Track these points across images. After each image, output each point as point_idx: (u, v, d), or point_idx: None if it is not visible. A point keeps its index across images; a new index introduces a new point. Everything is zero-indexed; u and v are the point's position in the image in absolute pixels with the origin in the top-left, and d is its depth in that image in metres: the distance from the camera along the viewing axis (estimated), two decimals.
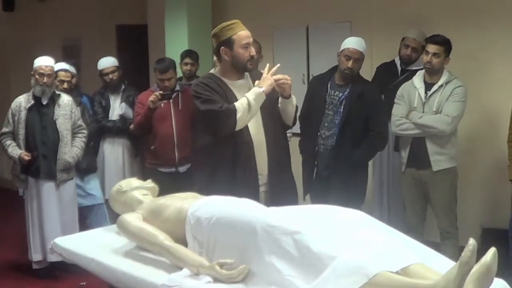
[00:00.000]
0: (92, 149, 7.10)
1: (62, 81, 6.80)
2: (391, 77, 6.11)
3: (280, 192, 4.54)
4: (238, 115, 4.36)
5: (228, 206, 3.58)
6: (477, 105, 6.26)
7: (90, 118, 6.96)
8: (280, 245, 3.08)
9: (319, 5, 7.46)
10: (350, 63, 5.46)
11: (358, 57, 5.52)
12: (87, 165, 6.87)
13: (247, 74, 4.64)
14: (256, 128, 4.53)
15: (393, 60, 6.46)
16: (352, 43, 5.58)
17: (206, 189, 4.12)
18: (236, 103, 4.40)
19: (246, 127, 4.47)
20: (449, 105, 5.39)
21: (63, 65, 6.94)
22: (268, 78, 4.44)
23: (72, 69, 7.07)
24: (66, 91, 6.76)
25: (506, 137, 5.61)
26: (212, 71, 4.72)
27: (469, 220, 6.25)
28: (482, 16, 6.45)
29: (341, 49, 5.63)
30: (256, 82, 4.51)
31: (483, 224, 6.50)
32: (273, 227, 3.15)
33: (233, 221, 3.36)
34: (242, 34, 4.44)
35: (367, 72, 6.44)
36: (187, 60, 7.19)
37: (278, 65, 4.57)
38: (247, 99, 4.38)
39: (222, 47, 4.46)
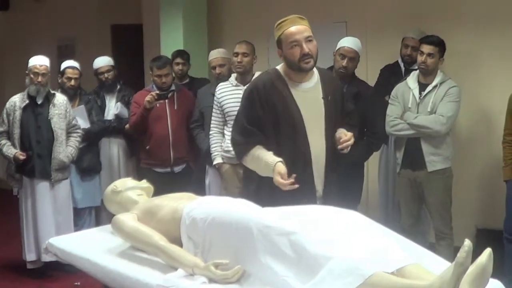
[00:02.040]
0: (96, 148, 7.09)
1: (70, 78, 6.79)
2: (395, 78, 6.10)
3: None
4: (245, 159, 4.14)
5: (223, 206, 3.59)
6: (471, 106, 6.28)
7: (97, 117, 6.94)
8: (276, 246, 3.07)
9: (315, 6, 7.46)
10: (345, 62, 5.52)
11: (353, 56, 5.57)
12: (89, 165, 6.86)
13: (316, 75, 4.19)
14: (316, 139, 4.11)
15: (397, 61, 6.48)
16: (347, 42, 5.64)
17: (254, 199, 3.83)
18: (254, 151, 4.04)
19: (305, 137, 4.06)
20: (443, 105, 5.40)
21: (71, 63, 6.94)
22: (281, 183, 3.80)
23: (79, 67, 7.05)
24: (73, 88, 6.76)
25: (500, 137, 5.62)
26: (278, 66, 4.26)
27: (464, 220, 6.27)
28: (476, 17, 6.47)
29: (336, 49, 5.67)
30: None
31: (477, 225, 6.52)
32: (268, 228, 3.15)
33: (229, 222, 3.36)
34: (287, 32, 4.01)
35: (363, 72, 6.44)
36: (178, 60, 7.16)
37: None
38: (261, 161, 3.98)
39: (278, 49, 4.10)
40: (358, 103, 5.35)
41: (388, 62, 6.60)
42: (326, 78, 4.25)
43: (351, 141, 4.04)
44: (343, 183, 4.43)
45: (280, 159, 3.91)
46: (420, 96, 5.48)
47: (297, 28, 4.00)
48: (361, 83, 5.73)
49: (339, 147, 4.05)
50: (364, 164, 5.76)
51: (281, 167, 3.85)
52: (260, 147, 4.06)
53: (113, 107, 7.16)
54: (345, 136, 4.05)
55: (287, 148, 4.06)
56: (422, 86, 5.51)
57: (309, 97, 4.12)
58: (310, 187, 4.11)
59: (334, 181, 4.27)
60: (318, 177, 4.16)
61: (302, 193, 3.89)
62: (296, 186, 3.77)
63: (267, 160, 3.94)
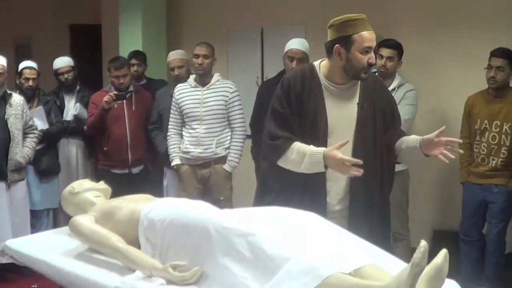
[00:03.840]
0: (54, 149, 7.01)
1: (27, 79, 6.69)
2: None
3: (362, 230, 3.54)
4: (282, 157, 3.74)
5: (181, 208, 3.58)
6: (428, 109, 6.34)
7: (56, 118, 6.87)
8: (234, 247, 3.08)
9: (274, 8, 7.48)
10: (294, 64, 5.56)
11: (301, 57, 5.63)
12: (47, 166, 6.79)
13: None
14: (342, 148, 3.57)
15: None
16: (294, 44, 5.70)
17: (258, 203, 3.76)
18: (295, 146, 3.70)
19: (324, 143, 3.71)
20: (401, 108, 5.40)
21: (28, 63, 6.84)
22: (342, 164, 3.50)
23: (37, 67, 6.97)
24: (31, 89, 6.68)
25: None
26: (316, 62, 3.93)
27: (421, 222, 6.32)
28: (432, 21, 6.54)
29: (284, 51, 5.71)
30: (332, 150, 3.54)
31: (434, 226, 6.59)
32: (226, 229, 3.15)
33: (187, 223, 3.35)
34: (365, 35, 3.64)
35: None
36: (133, 61, 7.12)
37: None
38: (305, 157, 3.64)
39: (338, 45, 3.68)
40: None
41: None
42: (370, 84, 3.87)
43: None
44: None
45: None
46: None
47: (372, 35, 3.68)
48: None
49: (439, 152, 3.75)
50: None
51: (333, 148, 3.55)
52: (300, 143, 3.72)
53: (72, 108, 7.10)
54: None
55: None
56: None
57: (343, 101, 3.81)
58: (320, 201, 3.76)
59: (364, 198, 3.82)
60: (336, 192, 3.82)
61: (313, 207, 3.50)
62: (361, 172, 3.47)
63: (313, 150, 3.63)
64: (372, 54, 3.66)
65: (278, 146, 3.77)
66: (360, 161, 3.47)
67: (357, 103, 3.79)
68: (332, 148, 3.54)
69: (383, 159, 3.87)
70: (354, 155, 3.67)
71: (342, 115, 3.78)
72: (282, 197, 3.72)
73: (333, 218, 3.61)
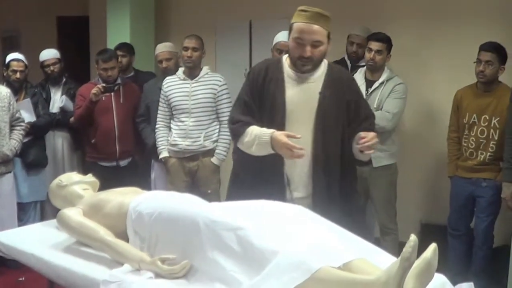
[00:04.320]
0: (42, 142, 6.97)
1: (15, 71, 6.64)
2: None
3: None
4: (240, 139, 3.92)
5: (170, 200, 3.57)
6: (417, 103, 6.36)
7: (43, 111, 6.84)
8: (223, 241, 3.07)
9: (262, 1, 7.47)
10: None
11: (287, 49, 5.58)
12: (35, 159, 6.76)
13: (324, 69, 3.98)
14: (302, 131, 3.78)
15: (343, 58, 6.50)
16: (282, 36, 5.71)
17: (231, 188, 3.99)
18: (249, 129, 3.86)
19: (283, 128, 3.81)
20: (389, 102, 5.45)
21: (16, 55, 6.79)
22: (285, 145, 3.65)
23: (25, 59, 6.93)
24: (18, 81, 6.64)
25: (445, 134, 5.72)
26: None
27: (409, 216, 6.35)
28: (421, 15, 6.56)
29: (273, 44, 5.70)
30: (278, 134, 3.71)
31: (422, 220, 6.62)
32: (215, 223, 3.14)
33: (175, 216, 3.34)
34: (299, 25, 3.81)
35: None
36: (118, 52, 7.03)
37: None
38: (254, 138, 3.82)
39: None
40: None
41: (335, 58, 6.61)
42: (335, 75, 3.99)
43: (372, 142, 3.72)
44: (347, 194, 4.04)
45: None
46: (367, 92, 5.53)
47: (308, 27, 3.79)
48: None
49: (359, 147, 3.73)
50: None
51: (282, 132, 3.71)
52: (257, 126, 3.88)
53: (58, 100, 7.07)
54: (365, 135, 3.74)
55: None
56: (368, 83, 5.56)
57: (305, 91, 3.92)
58: (279, 186, 3.89)
59: (326, 186, 3.91)
60: (298, 178, 3.92)
61: (272, 193, 3.65)
62: (304, 153, 3.65)
63: (263, 131, 3.79)
64: (307, 48, 3.77)
65: (236, 129, 3.95)
66: (303, 151, 3.62)
67: (319, 92, 3.89)
68: (281, 133, 3.69)
69: (344, 149, 3.94)
70: (314, 141, 3.85)
71: (302, 102, 3.89)
72: (246, 186, 3.93)
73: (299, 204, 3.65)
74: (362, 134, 3.74)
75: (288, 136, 3.66)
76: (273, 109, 3.89)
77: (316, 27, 3.79)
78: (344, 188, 3.98)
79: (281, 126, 3.81)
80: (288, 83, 3.92)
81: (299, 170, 3.90)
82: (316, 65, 3.90)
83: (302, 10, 3.85)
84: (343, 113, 3.93)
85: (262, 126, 3.84)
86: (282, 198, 3.77)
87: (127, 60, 7.15)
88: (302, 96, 3.90)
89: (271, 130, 3.75)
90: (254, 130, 3.84)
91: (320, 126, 3.87)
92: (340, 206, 3.82)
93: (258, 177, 3.91)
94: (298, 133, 3.69)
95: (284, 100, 3.88)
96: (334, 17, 7.02)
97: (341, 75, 4.06)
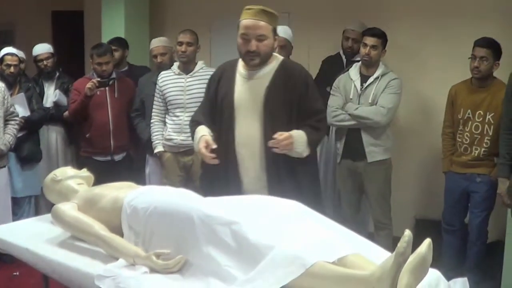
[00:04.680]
0: (36, 136, 6.95)
1: (9, 65, 6.62)
2: (336, 69, 6.12)
3: None
4: (193, 138, 4.22)
5: (165, 195, 3.57)
6: (411, 98, 6.37)
7: (37, 105, 6.82)
8: (217, 235, 3.08)
9: None
10: (276, 51, 5.54)
11: (283, 44, 5.70)
12: (29, 153, 6.74)
13: (275, 65, 4.16)
14: (249, 129, 4.06)
15: (338, 53, 6.51)
16: None
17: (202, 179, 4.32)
18: (198, 129, 4.16)
19: (230, 125, 4.09)
20: (384, 97, 5.45)
21: (10, 49, 6.77)
22: (203, 153, 3.99)
23: (20, 53, 6.90)
24: (13, 75, 6.61)
25: (440, 129, 5.72)
26: None
27: (403, 211, 6.36)
28: (415, 10, 6.59)
29: None
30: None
31: (416, 215, 6.63)
32: (210, 217, 3.15)
33: (170, 211, 3.34)
34: (243, 23, 4.04)
35: (304, 63, 6.45)
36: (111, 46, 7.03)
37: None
38: (195, 138, 4.14)
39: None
40: None
41: (330, 53, 6.65)
42: (286, 71, 4.14)
43: (285, 142, 3.86)
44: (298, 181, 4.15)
45: (210, 134, 4.08)
46: (362, 87, 5.53)
47: (253, 23, 4.00)
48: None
49: (269, 144, 3.88)
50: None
51: (208, 138, 4.00)
52: (204, 126, 4.18)
53: (51, 95, 7.06)
54: (280, 136, 3.86)
55: (218, 133, 4.14)
56: (363, 78, 5.56)
57: (253, 87, 4.10)
58: (234, 177, 4.11)
59: (276, 175, 4.07)
60: (251, 169, 4.09)
61: (228, 183, 4.06)
62: (217, 161, 3.94)
63: (198, 132, 4.11)
64: (252, 42, 3.99)
65: (190, 128, 4.36)
66: (214, 160, 3.95)
67: (266, 87, 4.06)
68: (204, 140, 4.00)
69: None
70: (263, 135, 4.00)
71: (250, 98, 4.09)
72: (208, 179, 4.24)
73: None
74: (277, 134, 3.87)
75: (208, 144, 3.96)
76: (223, 106, 4.14)
77: (260, 22, 4.00)
78: (297, 178, 4.11)
79: (230, 122, 4.09)
80: (238, 81, 4.15)
81: (252, 163, 4.08)
82: (264, 59, 4.08)
83: (248, 8, 4.06)
84: (290, 108, 4.08)
85: (215, 124, 4.16)
86: (239, 192, 4.00)
87: (120, 54, 7.12)
88: (249, 92, 4.10)
89: (201, 135, 4.06)
90: (198, 131, 4.13)
91: (267, 120, 4.04)
92: (295, 196, 3.75)
93: (216, 172, 4.11)
94: (247, 128, 4.03)
95: (233, 96, 4.11)
96: (330, 13, 7.09)
97: (293, 71, 4.19)
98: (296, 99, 4.08)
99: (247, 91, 4.11)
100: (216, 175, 4.13)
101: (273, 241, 2.90)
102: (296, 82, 4.11)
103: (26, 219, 4.80)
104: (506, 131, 4.94)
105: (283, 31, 5.77)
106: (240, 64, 4.20)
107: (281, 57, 4.26)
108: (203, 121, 4.22)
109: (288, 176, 4.06)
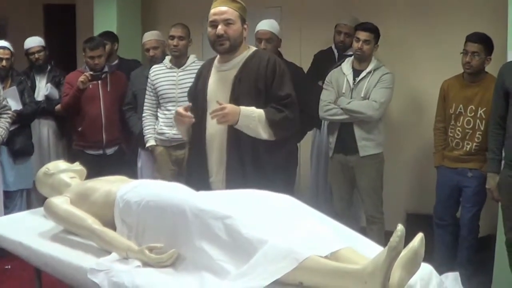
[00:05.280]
0: (28, 130, 6.92)
1: (1, 59, 6.60)
2: (328, 63, 6.13)
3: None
4: None
5: (158, 189, 3.58)
6: (404, 92, 6.38)
7: (29, 99, 6.80)
8: (211, 230, 3.08)
9: None
10: (262, 45, 5.59)
11: (269, 37, 5.69)
12: (21, 147, 6.72)
13: (245, 56, 4.19)
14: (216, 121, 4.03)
15: (330, 47, 6.51)
16: (261, 25, 5.77)
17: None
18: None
19: (202, 118, 4.15)
20: (376, 91, 5.46)
21: (1, 43, 6.75)
22: (178, 116, 4.20)
23: (11, 47, 6.89)
24: (4, 69, 6.59)
25: (431, 124, 5.73)
26: None
27: (395, 205, 6.36)
28: (407, 4, 6.59)
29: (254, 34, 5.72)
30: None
31: (408, 210, 6.64)
32: (203, 211, 3.15)
33: (163, 205, 3.35)
34: (210, 13, 4.12)
35: (296, 57, 6.48)
36: None
37: None
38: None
39: None
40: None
41: (322, 47, 6.64)
42: (255, 60, 4.17)
43: (222, 111, 3.91)
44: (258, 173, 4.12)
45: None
46: (354, 82, 5.53)
47: (219, 9, 4.07)
48: (289, 65, 5.69)
49: (211, 115, 3.97)
50: (296, 151, 5.75)
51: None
52: None
53: (43, 88, 7.05)
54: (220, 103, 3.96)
55: (192, 127, 4.25)
56: (356, 72, 5.56)
57: (223, 77, 4.18)
58: (203, 170, 4.18)
59: (236, 167, 4.09)
60: (218, 162, 4.14)
61: (197, 176, 4.16)
62: (193, 120, 4.11)
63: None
64: (220, 27, 4.04)
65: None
66: (190, 119, 4.11)
67: (234, 76, 4.13)
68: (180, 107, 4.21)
69: None
70: (230, 130, 4.04)
71: (219, 88, 4.17)
72: (188, 170, 4.43)
73: (216, 188, 4.04)
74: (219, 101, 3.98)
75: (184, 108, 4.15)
76: (198, 97, 4.26)
77: (226, 8, 4.07)
78: (261, 165, 4.12)
79: (203, 112, 4.17)
80: (212, 74, 4.24)
81: (215, 154, 4.13)
82: (233, 44, 4.11)
83: (214, 1, 4.14)
84: (258, 96, 4.11)
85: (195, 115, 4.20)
86: (206, 183, 4.12)
87: (109, 48, 7.09)
88: (219, 82, 4.19)
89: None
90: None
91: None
92: (258, 184, 3.75)
93: (188, 163, 4.43)
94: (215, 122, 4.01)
95: (206, 87, 4.22)
96: (323, 5, 7.08)
97: (262, 60, 4.18)
98: (263, 88, 4.11)
99: (218, 82, 4.20)
100: (194, 165, 4.27)
101: (266, 235, 2.91)
102: (264, 71, 4.12)
103: (19, 213, 4.80)
104: (495, 125, 4.94)
105: (269, 24, 5.76)
106: (217, 59, 4.27)
107: (253, 48, 4.32)
108: None
109: (251, 163, 4.08)
